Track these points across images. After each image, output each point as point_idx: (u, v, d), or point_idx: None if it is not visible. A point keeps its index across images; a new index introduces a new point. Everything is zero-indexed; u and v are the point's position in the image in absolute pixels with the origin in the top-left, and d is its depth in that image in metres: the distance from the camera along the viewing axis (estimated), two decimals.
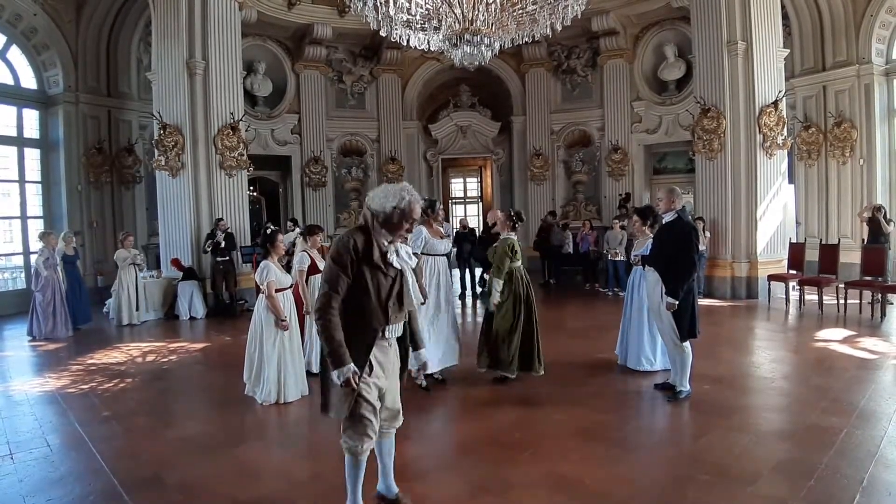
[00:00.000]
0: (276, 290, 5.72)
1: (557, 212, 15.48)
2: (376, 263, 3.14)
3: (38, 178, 12.70)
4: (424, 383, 5.96)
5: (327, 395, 3.24)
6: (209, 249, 10.72)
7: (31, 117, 12.63)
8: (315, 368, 6.50)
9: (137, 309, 10.43)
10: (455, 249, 12.76)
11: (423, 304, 5.93)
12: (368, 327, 3.17)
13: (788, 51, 12.09)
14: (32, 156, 12.62)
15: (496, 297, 5.95)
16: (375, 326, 3.18)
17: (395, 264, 3.24)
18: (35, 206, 12.62)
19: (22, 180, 12.34)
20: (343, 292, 3.10)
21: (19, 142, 12.33)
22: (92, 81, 12.99)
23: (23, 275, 12.26)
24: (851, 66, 12.43)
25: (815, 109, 13.01)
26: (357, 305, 3.13)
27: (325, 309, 3.06)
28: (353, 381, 3.06)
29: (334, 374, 3.05)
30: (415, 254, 5.48)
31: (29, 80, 12.55)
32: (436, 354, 5.99)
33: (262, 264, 5.80)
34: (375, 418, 3.26)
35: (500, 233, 6.20)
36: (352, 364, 3.06)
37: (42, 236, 9.82)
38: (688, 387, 5.52)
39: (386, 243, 3.22)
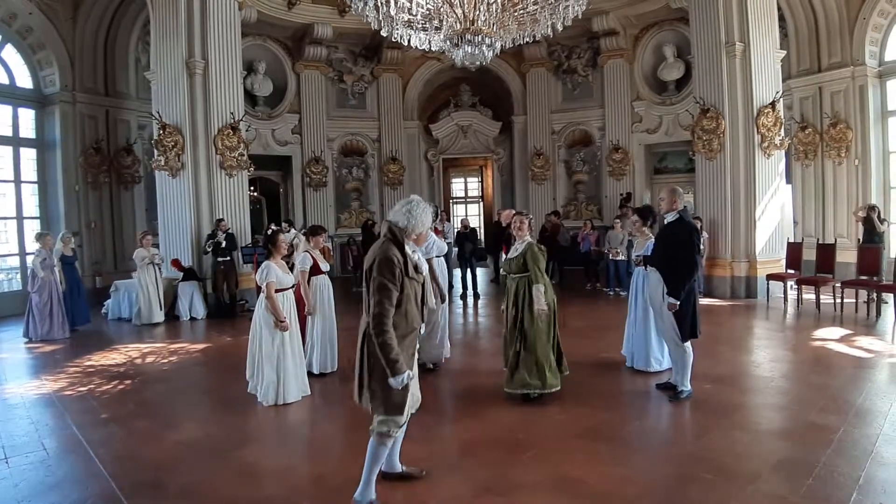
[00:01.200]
0: (277, 291, 5.70)
1: (559, 212, 15.49)
2: (412, 273, 3.51)
3: (35, 179, 12.64)
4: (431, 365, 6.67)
5: (386, 397, 3.48)
6: (210, 250, 10.70)
7: (27, 117, 12.58)
8: (316, 370, 6.53)
9: (161, 308, 10.44)
10: (456, 249, 12.78)
11: (442, 304, 6.70)
12: (412, 329, 3.54)
13: (785, 52, 12.11)
14: (28, 156, 12.56)
15: (543, 304, 5.35)
16: (415, 327, 3.57)
17: (422, 270, 3.62)
18: (31, 206, 12.58)
19: (18, 180, 12.29)
20: (394, 305, 3.40)
21: (15, 141, 12.27)
22: (89, 81, 12.95)
23: (19, 276, 12.20)
24: (846, 68, 12.47)
25: (812, 110, 13.05)
26: (402, 312, 3.46)
27: (384, 323, 3.35)
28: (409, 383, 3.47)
29: (395, 381, 3.37)
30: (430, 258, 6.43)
31: (24, 80, 12.51)
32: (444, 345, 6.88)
33: (263, 264, 5.78)
34: (409, 409, 3.61)
35: (517, 236, 5.63)
36: (408, 370, 3.43)
37: (38, 237, 9.76)
38: (689, 386, 5.53)
39: (410, 252, 3.58)
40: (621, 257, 11.54)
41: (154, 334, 9.68)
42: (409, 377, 3.44)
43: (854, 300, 9.34)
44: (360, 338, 3.55)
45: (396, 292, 3.40)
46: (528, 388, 5.41)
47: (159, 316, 10.42)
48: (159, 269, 10.60)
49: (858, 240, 11.10)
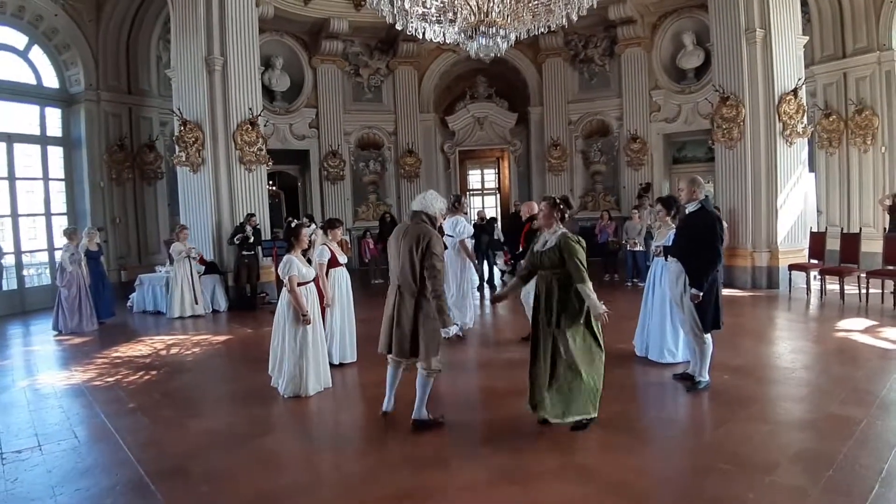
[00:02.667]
0: (299, 284, 5.74)
1: (576, 203, 15.41)
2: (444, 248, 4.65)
3: (62, 176, 12.88)
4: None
5: (435, 346, 4.57)
6: (237, 242, 10.84)
7: (54, 116, 12.81)
8: (335, 360, 6.60)
9: (197, 302, 10.57)
10: (473, 241, 12.79)
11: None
12: (446, 289, 4.84)
13: (808, 38, 11.85)
14: (55, 154, 12.80)
15: (599, 307, 4.37)
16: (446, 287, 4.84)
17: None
18: (59, 203, 12.82)
19: (45, 178, 12.52)
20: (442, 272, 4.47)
21: (42, 140, 12.51)
22: (112, 80, 13.14)
23: (47, 271, 12.46)
24: (872, 53, 12.16)
25: (836, 97, 12.78)
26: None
27: (440, 287, 4.41)
28: None
29: (445, 331, 4.42)
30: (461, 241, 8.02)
31: (51, 80, 12.73)
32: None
33: (284, 258, 5.79)
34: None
35: (544, 227, 4.83)
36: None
37: (67, 232, 9.98)
38: (707, 377, 5.50)
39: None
40: (639, 248, 11.48)
41: (178, 326, 9.84)
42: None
43: (880, 290, 9.17)
44: (412, 307, 4.48)
45: (443, 262, 4.49)
46: (580, 414, 4.56)
47: (193, 308, 10.53)
48: (193, 262, 10.74)
49: (884, 229, 10.91)
